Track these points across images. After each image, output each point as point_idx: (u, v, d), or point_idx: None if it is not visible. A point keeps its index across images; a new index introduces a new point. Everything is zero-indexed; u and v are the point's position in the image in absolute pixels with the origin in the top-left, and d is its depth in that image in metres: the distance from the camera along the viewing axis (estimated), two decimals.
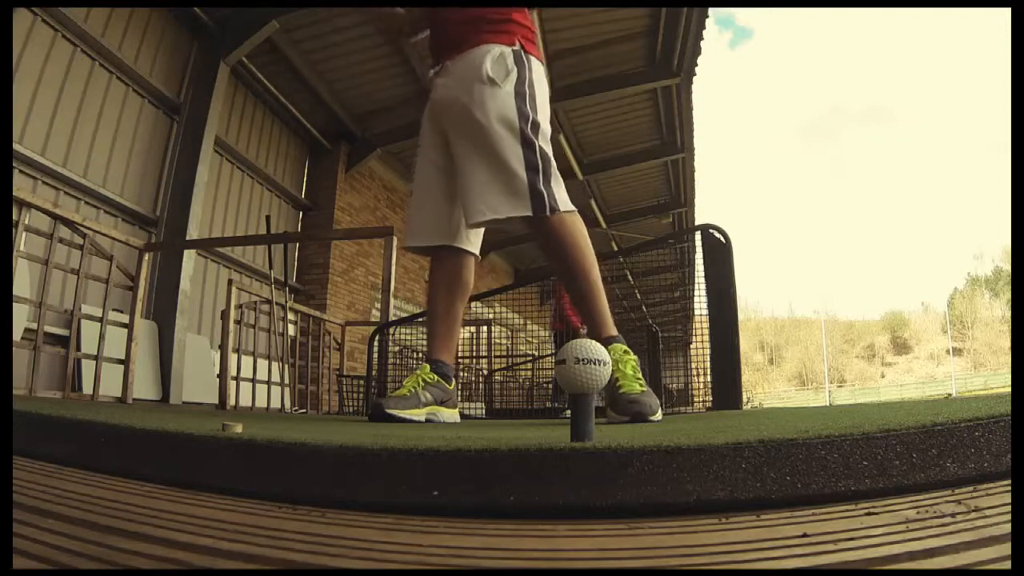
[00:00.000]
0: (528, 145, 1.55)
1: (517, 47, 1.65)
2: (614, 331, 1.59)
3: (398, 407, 1.53)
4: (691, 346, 5.37)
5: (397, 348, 4.11)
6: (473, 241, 1.80)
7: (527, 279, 9.26)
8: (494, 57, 1.61)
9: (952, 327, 51.44)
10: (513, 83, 1.60)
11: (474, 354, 5.87)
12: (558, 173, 1.59)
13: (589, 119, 7.92)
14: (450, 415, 1.67)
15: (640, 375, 1.50)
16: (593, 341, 0.75)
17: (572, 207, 1.58)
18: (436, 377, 1.65)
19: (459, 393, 6.40)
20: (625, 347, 1.54)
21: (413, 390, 1.60)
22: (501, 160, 1.53)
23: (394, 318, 4.14)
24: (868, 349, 61.89)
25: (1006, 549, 0.35)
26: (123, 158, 4.73)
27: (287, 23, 5.27)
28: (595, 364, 0.72)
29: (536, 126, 1.58)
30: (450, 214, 1.73)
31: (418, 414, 1.56)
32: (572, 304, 1.71)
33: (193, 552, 0.37)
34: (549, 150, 1.58)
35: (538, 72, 1.68)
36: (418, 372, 1.66)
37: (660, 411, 1.46)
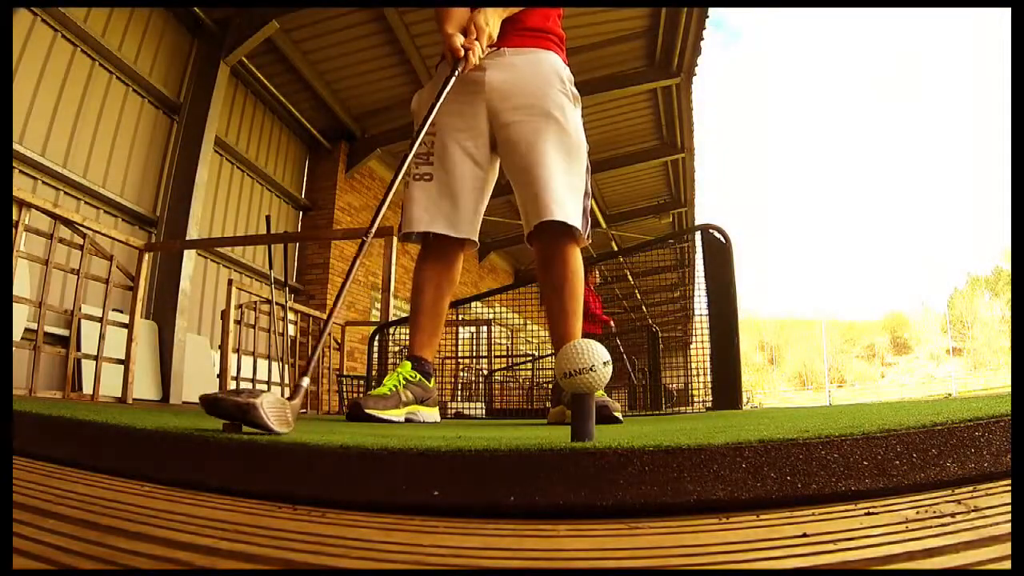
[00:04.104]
0: (588, 172, 1.65)
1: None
2: None
3: (377, 407, 1.50)
4: (691, 346, 5.37)
5: (397, 348, 4.11)
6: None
7: (527, 279, 9.26)
8: (568, 75, 1.66)
9: (952, 327, 51.42)
10: (579, 111, 1.68)
11: (474, 354, 5.87)
12: None
13: (589, 119, 7.87)
14: (430, 414, 1.65)
15: None
16: (593, 341, 0.75)
17: None
18: (418, 376, 1.63)
19: (459, 393, 6.39)
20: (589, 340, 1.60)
21: (394, 389, 1.56)
22: (577, 171, 1.61)
23: (394, 318, 4.14)
24: (868, 349, 61.89)
25: (1006, 549, 0.35)
26: (123, 158, 4.73)
27: (287, 23, 5.27)
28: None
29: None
30: (475, 207, 1.68)
31: (397, 414, 1.53)
32: (549, 322, 1.70)
33: (193, 552, 0.37)
34: None
35: None
36: (399, 370, 1.63)
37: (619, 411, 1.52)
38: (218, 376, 4.01)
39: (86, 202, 4.41)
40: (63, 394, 2.93)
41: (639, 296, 11.87)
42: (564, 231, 1.57)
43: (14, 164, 3.80)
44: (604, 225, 10.69)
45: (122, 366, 3.19)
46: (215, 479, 0.58)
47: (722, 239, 3.11)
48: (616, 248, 11.00)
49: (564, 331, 1.63)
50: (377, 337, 4.01)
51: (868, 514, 0.44)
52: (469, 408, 5.26)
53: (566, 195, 1.55)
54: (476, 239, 1.71)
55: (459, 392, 6.22)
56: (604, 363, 0.73)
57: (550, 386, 5.92)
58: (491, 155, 1.70)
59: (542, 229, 1.56)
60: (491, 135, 1.67)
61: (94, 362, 3.08)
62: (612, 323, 5.70)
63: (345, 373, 5.10)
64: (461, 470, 0.51)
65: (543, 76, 1.62)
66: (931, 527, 0.39)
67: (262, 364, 4.37)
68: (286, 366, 4.44)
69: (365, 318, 7.24)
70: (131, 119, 4.81)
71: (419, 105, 1.72)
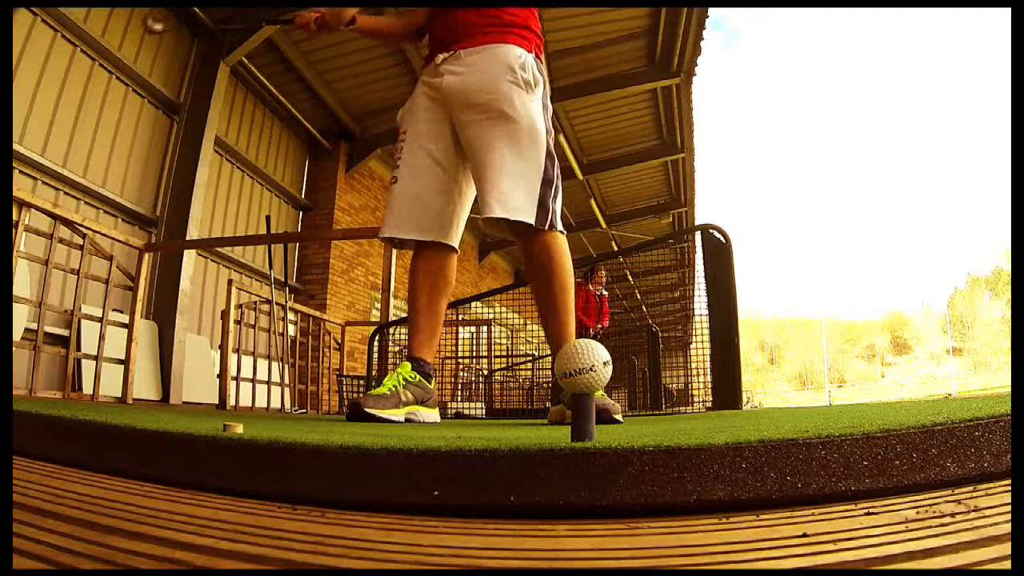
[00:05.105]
0: (550, 158, 1.59)
1: (533, 55, 1.66)
2: None
3: (377, 406, 1.50)
4: (691, 346, 5.37)
5: (397, 348, 4.11)
6: (458, 238, 1.78)
7: (527, 279, 9.25)
8: (523, 62, 1.62)
9: (952, 327, 51.42)
10: (540, 94, 1.63)
11: (474, 354, 5.87)
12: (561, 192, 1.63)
13: (589, 119, 7.92)
14: (430, 415, 1.65)
15: None
16: (593, 341, 0.75)
17: (563, 228, 1.63)
18: (417, 376, 1.63)
19: (459, 393, 6.38)
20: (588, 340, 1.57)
21: (393, 389, 1.57)
22: (527, 166, 1.56)
23: (394, 318, 4.14)
24: (868, 349, 61.85)
25: (1006, 549, 0.35)
26: (123, 158, 4.73)
27: None
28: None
29: (554, 142, 1.63)
30: (442, 209, 1.69)
31: (397, 414, 1.54)
32: (542, 319, 1.68)
33: (193, 552, 0.37)
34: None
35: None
36: (398, 370, 1.63)
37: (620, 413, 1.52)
38: (218, 376, 4.01)
39: (86, 202, 4.41)
40: (63, 394, 2.93)
41: (639, 296, 11.86)
42: (535, 227, 1.55)
43: (14, 164, 3.80)
44: (604, 225, 10.69)
45: (122, 366, 3.19)
46: (215, 479, 0.58)
47: (722, 239, 3.12)
48: (616, 248, 11.00)
49: (556, 324, 1.61)
50: (377, 337, 4.01)
51: (868, 514, 0.44)
52: (469, 408, 5.26)
53: (513, 191, 1.53)
54: (447, 241, 1.71)
55: (459, 392, 6.22)
56: (604, 363, 0.73)
57: (550, 386, 5.93)
58: (459, 158, 1.70)
59: (517, 225, 1.56)
60: (455, 137, 1.68)
61: (94, 362, 3.08)
62: (592, 329, 5.60)
63: (345, 373, 5.10)
64: (461, 470, 0.51)
65: (492, 71, 1.60)
66: (931, 527, 0.39)
67: (262, 364, 4.37)
68: (286, 366, 4.44)
69: (365, 318, 7.24)
70: (131, 119, 4.81)
71: (402, 116, 1.77)
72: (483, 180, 1.57)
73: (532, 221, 1.53)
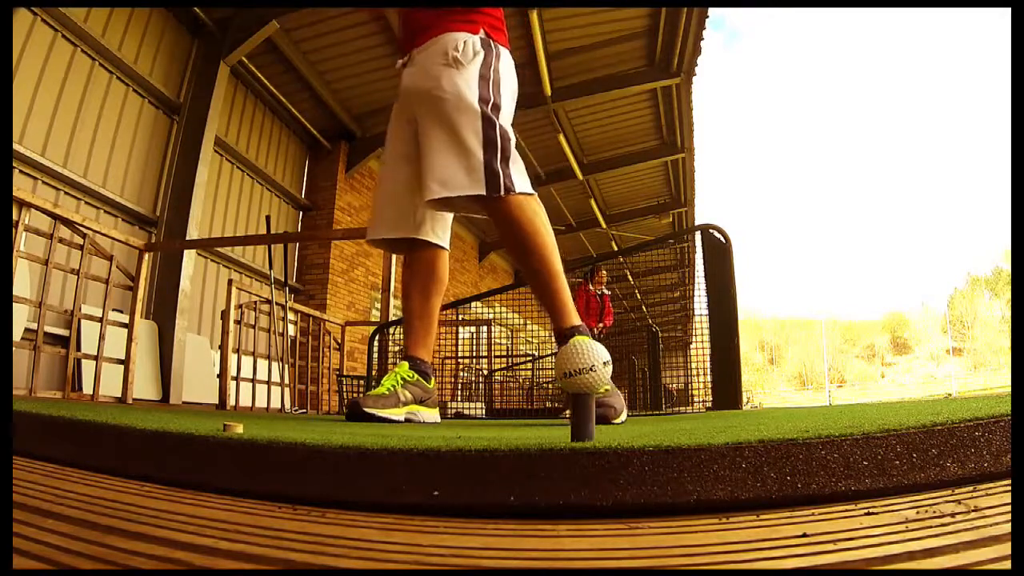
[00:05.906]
0: (488, 123, 1.50)
1: (483, 35, 1.63)
2: (577, 320, 1.49)
3: (376, 406, 1.50)
4: (691, 346, 5.37)
5: (397, 348, 4.11)
6: (441, 235, 1.77)
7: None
8: (459, 43, 1.60)
9: (952, 327, 51.44)
10: (478, 66, 1.58)
11: (474, 354, 5.87)
12: (518, 156, 1.54)
13: (589, 119, 7.92)
14: (430, 414, 1.65)
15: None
16: (593, 342, 0.75)
17: (532, 190, 1.52)
18: (415, 375, 1.63)
19: (459, 393, 6.38)
20: (589, 339, 1.46)
21: (392, 388, 1.56)
22: (458, 138, 1.49)
23: (394, 318, 4.14)
24: (868, 349, 61.86)
25: (1006, 549, 0.35)
26: (123, 158, 4.73)
27: (287, 23, 5.27)
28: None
29: (497, 108, 1.55)
30: (416, 207, 1.70)
31: (397, 413, 1.53)
32: (532, 290, 1.61)
33: (193, 552, 0.37)
34: (511, 132, 1.54)
35: (506, 60, 1.65)
36: (396, 370, 1.63)
37: (624, 413, 1.44)
38: (218, 376, 4.01)
39: (86, 202, 4.41)
40: (63, 394, 2.93)
41: (639, 296, 11.87)
42: (487, 196, 1.48)
43: (14, 164, 3.80)
44: (604, 225, 10.69)
45: (122, 366, 3.19)
46: (215, 479, 0.58)
47: (722, 239, 3.12)
48: (616, 248, 11.00)
49: (545, 294, 1.52)
50: (377, 337, 4.01)
51: (868, 514, 0.44)
52: (469, 408, 5.26)
53: (448, 167, 1.48)
54: (426, 238, 1.72)
55: (459, 392, 6.22)
56: (604, 363, 0.73)
57: (550, 387, 5.93)
58: None
59: (478, 200, 1.51)
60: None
61: (94, 362, 3.08)
62: (594, 328, 5.54)
63: (345, 373, 5.10)
64: (461, 470, 0.51)
65: (430, 61, 1.61)
66: (931, 527, 0.39)
67: (262, 364, 4.37)
68: (286, 366, 4.44)
69: (365, 318, 7.24)
70: (131, 119, 4.81)
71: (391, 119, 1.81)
72: (422, 167, 1.55)
73: (482, 191, 1.44)
